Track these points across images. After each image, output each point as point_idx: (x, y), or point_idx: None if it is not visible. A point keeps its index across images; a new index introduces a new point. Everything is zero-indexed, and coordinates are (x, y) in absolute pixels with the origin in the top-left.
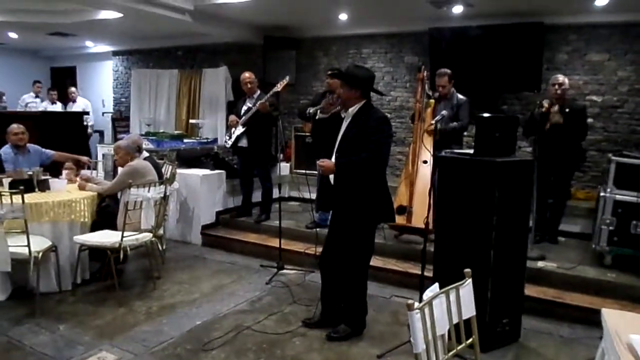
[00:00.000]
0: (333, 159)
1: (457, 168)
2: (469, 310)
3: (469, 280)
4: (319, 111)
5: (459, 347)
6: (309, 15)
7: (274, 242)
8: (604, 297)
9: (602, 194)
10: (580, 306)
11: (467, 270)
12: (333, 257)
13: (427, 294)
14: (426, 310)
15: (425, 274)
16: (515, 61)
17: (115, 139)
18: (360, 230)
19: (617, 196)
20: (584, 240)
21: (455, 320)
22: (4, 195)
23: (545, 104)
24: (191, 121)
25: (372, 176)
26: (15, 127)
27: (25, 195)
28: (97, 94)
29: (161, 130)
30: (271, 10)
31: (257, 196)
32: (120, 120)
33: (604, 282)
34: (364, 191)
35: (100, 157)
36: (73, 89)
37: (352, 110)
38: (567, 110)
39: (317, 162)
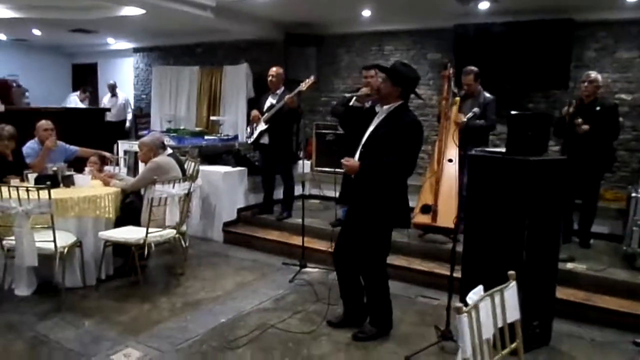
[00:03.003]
0: (357, 154)
1: (489, 167)
2: (514, 313)
3: (514, 283)
4: (354, 98)
5: (504, 352)
6: (331, 12)
7: (296, 240)
8: (635, 300)
9: (633, 194)
10: (611, 309)
11: (512, 272)
12: (347, 253)
13: (472, 296)
14: (473, 314)
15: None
16: (542, 58)
17: (136, 135)
18: (375, 231)
19: None
20: (613, 242)
21: (499, 324)
22: (30, 190)
23: (566, 109)
24: (212, 118)
25: (394, 180)
26: (44, 122)
27: (51, 191)
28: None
29: (182, 127)
30: (293, 6)
31: (278, 193)
32: (141, 117)
33: (635, 285)
34: (383, 193)
35: (122, 154)
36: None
37: (388, 108)
38: (597, 108)
39: (342, 160)
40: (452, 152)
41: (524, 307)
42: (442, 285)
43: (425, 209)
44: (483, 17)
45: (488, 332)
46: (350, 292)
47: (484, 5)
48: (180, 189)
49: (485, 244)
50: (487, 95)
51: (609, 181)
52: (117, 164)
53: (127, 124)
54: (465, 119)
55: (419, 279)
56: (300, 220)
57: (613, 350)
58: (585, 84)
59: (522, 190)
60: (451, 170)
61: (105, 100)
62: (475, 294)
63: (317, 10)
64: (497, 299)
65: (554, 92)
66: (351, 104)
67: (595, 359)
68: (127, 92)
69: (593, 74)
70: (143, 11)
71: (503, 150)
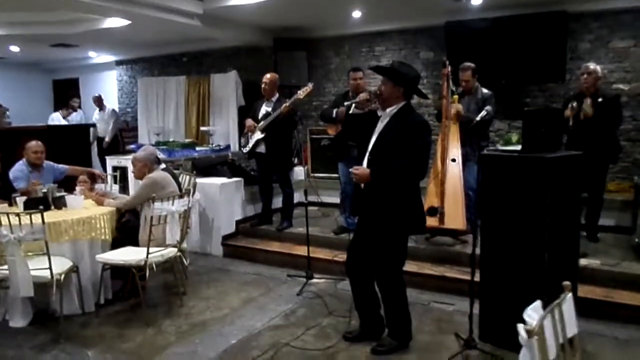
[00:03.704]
0: (365, 161)
1: (504, 166)
2: (572, 328)
3: (570, 295)
4: (353, 105)
5: None
6: (320, 15)
7: (299, 250)
8: None
9: None
10: (631, 305)
11: (567, 283)
12: (361, 263)
13: (531, 314)
14: (540, 335)
15: (463, 277)
16: (537, 52)
17: (123, 150)
18: (391, 240)
19: None
20: (621, 235)
21: (560, 341)
22: (22, 216)
23: (568, 111)
24: (202, 128)
25: (407, 185)
26: (34, 144)
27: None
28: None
29: (171, 139)
30: (282, 11)
31: (276, 202)
32: (127, 131)
33: None
34: (396, 200)
35: (110, 170)
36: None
37: (391, 110)
38: (599, 100)
39: (351, 169)
40: (455, 151)
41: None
42: (455, 289)
43: (432, 211)
44: (475, 12)
45: (552, 352)
46: (366, 304)
47: (476, 1)
48: (179, 205)
49: (504, 245)
50: (485, 90)
51: (611, 172)
52: (106, 182)
53: (106, 138)
54: (478, 118)
55: (430, 283)
56: (301, 230)
57: (635, 347)
58: (585, 76)
59: (541, 189)
60: (455, 170)
61: (96, 115)
62: (534, 311)
63: (305, 13)
64: (556, 314)
65: (550, 85)
66: (351, 111)
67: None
68: (112, 105)
69: (592, 66)
70: (128, 22)
71: (516, 148)
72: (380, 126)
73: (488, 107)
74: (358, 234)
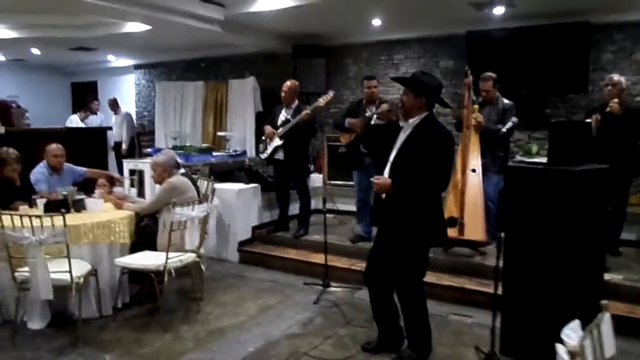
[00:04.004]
0: (387, 172)
1: (529, 178)
2: (610, 349)
3: (607, 315)
4: (375, 116)
5: None
6: (340, 22)
7: (316, 258)
8: None
9: None
10: None
11: (604, 302)
12: (381, 274)
13: (569, 334)
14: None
15: (483, 289)
16: (559, 63)
17: (140, 153)
18: (412, 251)
19: None
20: None
21: None
22: (43, 218)
23: (593, 122)
24: (219, 134)
25: (429, 196)
26: (54, 147)
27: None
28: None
29: (188, 144)
30: (302, 18)
31: (292, 209)
32: (145, 135)
33: None
34: (418, 211)
35: (127, 173)
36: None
37: (413, 121)
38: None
39: (372, 179)
40: (475, 161)
41: None
42: (474, 302)
43: (451, 222)
44: (497, 22)
45: None
46: (385, 314)
47: (499, 11)
48: (199, 210)
49: (528, 258)
50: (506, 101)
51: (633, 185)
52: (122, 185)
53: (124, 145)
54: (504, 129)
55: (448, 295)
56: (317, 237)
57: None
58: (609, 87)
59: (568, 202)
60: (475, 181)
61: (114, 120)
62: (572, 331)
63: (325, 21)
64: (595, 334)
65: (572, 96)
66: (372, 122)
67: None
68: (129, 110)
69: (616, 77)
70: (148, 27)
71: (541, 160)
72: (402, 137)
73: (514, 119)
74: (378, 243)
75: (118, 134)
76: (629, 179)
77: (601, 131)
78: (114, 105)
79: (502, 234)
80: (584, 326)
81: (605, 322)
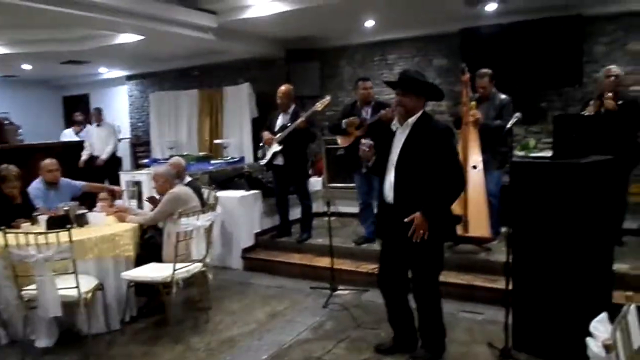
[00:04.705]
0: (391, 175)
1: (535, 173)
2: (637, 339)
3: (633, 306)
4: (344, 124)
5: None
6: (333, 25)
7: (321, 262)
8: None
9: None
10: None
11: (629, 293)
12: (396, 277)
13: (597, 326)
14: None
15: (491, 285)
16: (553, 56)
17: (136, 165)
18: (430, 249)
19: None
20: None
21: (627, 352)
22: (48, 235)
23: (592, 108)
24: (216, 141)
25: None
26: (49, 162)
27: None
28: (112, 120)
29: (185, 153)
30: (296, 22)
31: (293, 214)
32: (139, 146)
33: None
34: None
35: (124, 185)
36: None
37: (412, 120)
38: (620, 102)
39: (411, 224)
40: (476, 157)
41: (584, 318)
42: (483, 298)
43: (456, 219)
44: (490, 18)
45: None
46: (401, 317)
47: (492, 7)
48: (204, 219)
49: (537, 252)
50: (503, 96)
51: (632, 175)
52: (121, 198)
53: (103, 156)
54: (509, 125)
55: (456, 293)
56: (321, 241)
57: None
58: (612, 78)
59: (576, 195)
60: (477, 177)
61: (91, 129)
62: (600, 324)
63: (318, 24)
64: (623, 325)
65: (566, 89)
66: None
67: None
68: (122, 121)
69: (614, 68)
70: (141, 37)
71: (539, 154)
72: (401, 138)
73: (517, 113)
74: (388, 246)
75: (99, 147)
76: (628, 168)
77: (599, 123)
78: (98, 116)
79: (509, 230)
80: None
81: (632, 314)
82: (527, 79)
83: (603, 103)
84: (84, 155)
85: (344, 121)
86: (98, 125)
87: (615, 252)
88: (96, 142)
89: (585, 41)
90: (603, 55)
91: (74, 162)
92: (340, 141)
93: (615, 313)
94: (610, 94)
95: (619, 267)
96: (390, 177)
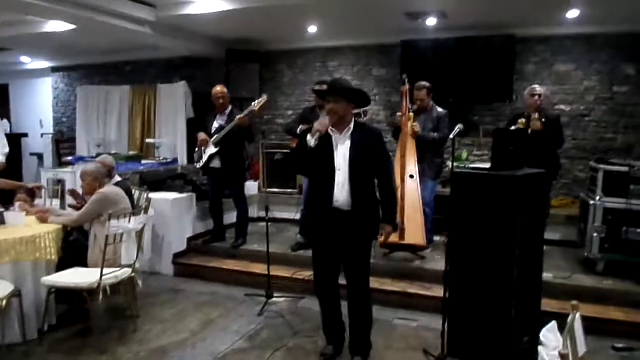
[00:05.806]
0: (344, 176)
1: (474, 183)
2: (582, 347)
3: (578, 315)
4: (317, 135)
5: None
6: (276, 28)
7: (256, 268)
8: (606, 305)
9: (591, 202)
10: (587, 316)
11: (575, 303)
12: (333, 282)
13: (547, 335)
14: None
15: (426, 293)
16: (487, 73)
17: (59, 162)
18: (367, 248)
19: (606, 204)
20: (567, 248)
21: None
22: None
23: (521, 124)
24: (148, 140)
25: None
26: None
27: None
28: (34, 114)
29: (114, 152)
30: (238, 22)
31: (227, 218)
32: (64, 142)
33: (604, 290)
34: (375, 209)
35: (45, 184)
36: None
37: (350, 125)
38: (543, 120)
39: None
40: (412, 167)
41: (516, 324)
42: (417, 305)
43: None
44: (430, 33)
45: None
46: (338, 321)
47: (432, 22)
48: (136, 222)
49: (472, 261)
50: (440, 109)
51: (553, 188)
52: (40, 196)
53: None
54: (452, 136)
55: (391, 300)
56: (256, 247)
57: (597, 357)
58: (535, 97)
59: (512, 205)
60: (413, 186)
61: None
62: (550, 332)
63: (261, 26)
64: (571, 334)
65: (497, 104)
66: (313, 145)
67: None
68: (45, 115)
69: (538, 88)
70: (73, 27)
71: (483, 165)
72: (345, 142)
73: (460, 125)
74: (326, 252)
75: None
76: (549, 182)
77: (529, 140)
78: None
79: (447, 238)
80: (520, 326)
81: (577, 322)
82: (461, 93)
83: (529, 124)
84: None
85: (300, 127)
86: None
87: None
88: None
89: (517, 60)
90: (532, 74)
91: None
92: (294, 143)
93: (544, 320)
94: (536, 115)
95: (544, 275)
96: (340, 182)
